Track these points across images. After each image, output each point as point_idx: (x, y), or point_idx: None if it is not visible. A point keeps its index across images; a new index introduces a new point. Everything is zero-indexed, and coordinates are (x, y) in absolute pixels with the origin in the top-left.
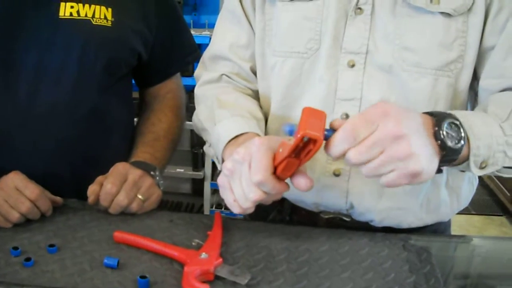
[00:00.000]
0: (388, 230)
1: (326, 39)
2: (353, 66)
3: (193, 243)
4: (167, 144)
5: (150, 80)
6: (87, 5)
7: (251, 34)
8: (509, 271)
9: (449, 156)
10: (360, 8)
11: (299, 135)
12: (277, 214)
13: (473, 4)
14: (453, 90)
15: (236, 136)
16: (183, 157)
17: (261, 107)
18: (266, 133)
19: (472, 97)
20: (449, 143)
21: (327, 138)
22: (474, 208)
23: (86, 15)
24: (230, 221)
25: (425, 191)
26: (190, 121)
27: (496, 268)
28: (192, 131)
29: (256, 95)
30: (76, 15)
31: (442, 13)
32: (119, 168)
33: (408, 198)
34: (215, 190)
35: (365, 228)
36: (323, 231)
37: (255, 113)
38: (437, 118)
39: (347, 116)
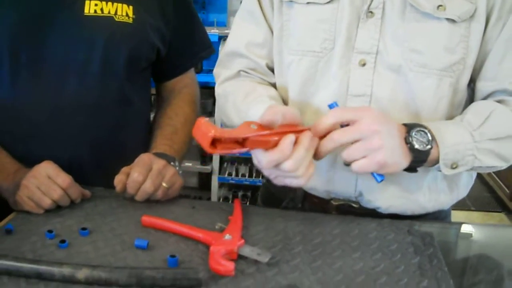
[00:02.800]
0: (394, 217)
1: (339, 39)
2: (364, 65)
3: (217, 227)
4: (184, 136)
5: (167, 75)
6: (110, 3)
7: (267, 33)
8: (506, 255)
9: (419, 158)
10: (371, 12)
11: None
12: (290, 201)
13: (475, 11)
14: (454, 89)
15: None
16: (190, 152)
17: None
18: None
19: (470, 95)
20: (416, 146)
21: None
22: (474, 204)
23: (109, 12)
24: (248, 208)
25: (426, 182)
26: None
27: (493, 253)
28: None
29: (273, 87)
30: (99, 12)
31: (447, 19)
32: (144, 158)
33: (411, 187)
34: (221, 184)
35: (372, 214)
36: (334, 216)
37: (275, 97)
38: (408, 127)
39: None
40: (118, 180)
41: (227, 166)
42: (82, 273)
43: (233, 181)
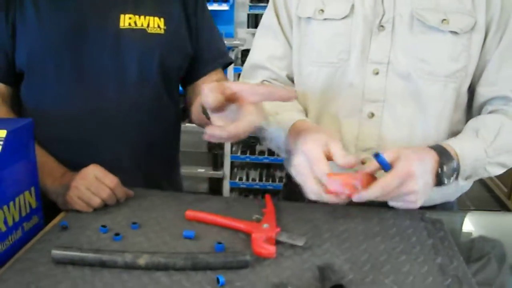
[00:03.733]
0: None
1: (354, 51)
2: (377, 73)
3: (253, 218)
4: None
5: (190, 78)
6: (142, 16)
7: (286, 46)
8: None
9: (441, 185)
10: (382, 26)
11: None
12: None
13: (475, 24)
14: (457, 93)
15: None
16: (201, 158)
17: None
18: None
19: (469, 97)
20: (445, 181)
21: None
22: (473, 203)
23: (142, 25)
24: (277, 203)
25: None
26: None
27: (493, 234)
28: None
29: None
30: (134, 25)
31: (451, 31)
32: None
33: None
34: (232, 188)
35: (389, 206)
36: (355, 207)
37: (297, 106)
38: (441, 161)
39: (372, 114)
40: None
41: (238, 171)
42: (142, 259)
43: (244, 186)
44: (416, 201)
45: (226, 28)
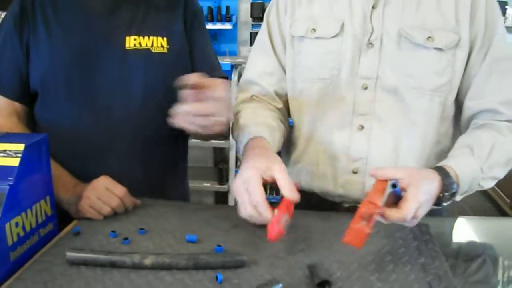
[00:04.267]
0: None
1: (344, 67)
2: (366, 88)
3: None
4: None
5: None
6: (146, 37)
7: (277, 64)
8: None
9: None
10: (371, 43)
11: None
12: (307, 203)
13: (459, 41)
14: (443, 106)
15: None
16: (207, 173)
17: (282, 120)
18: (298, 140)
19: (455, 110)
20: (442, 204)
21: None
22: (475, 213)
23: (146, 45)
24: None
25: None
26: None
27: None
28: (214, 149)
29: (279, 112)
30: (138, 46)
31: (435, 48)
32: None
33: None
34: (237, 202)
35: None
36: (344, 214)
37: (269, 122)
38: (444, 187)
39: (362, 127)
40: None
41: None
42: (149, 260)
43: None
44: (414, 223)
45: (229, 46)
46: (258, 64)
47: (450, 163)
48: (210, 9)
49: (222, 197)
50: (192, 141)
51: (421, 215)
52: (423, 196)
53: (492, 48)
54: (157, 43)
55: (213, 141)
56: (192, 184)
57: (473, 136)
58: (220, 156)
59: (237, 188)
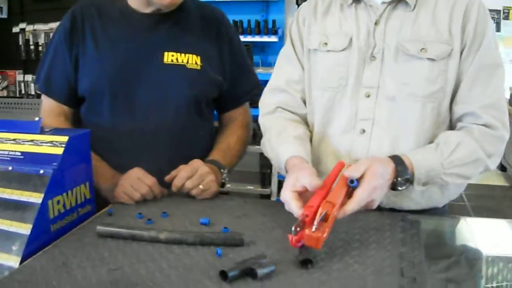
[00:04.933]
0: (394, 211)
1: (351, 77)
2: (368, 96)
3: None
4: (236, 151)
5: (225, 107)
6: (183, 54)
7: (301, 72)
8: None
9: (394, 190)
10: (374, 57)
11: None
12: None
13: (451, 51)
14: (436, 112)
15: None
16: (252, 177)
17: (307, 124)
18: (311, 141)
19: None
20: (398, 188)
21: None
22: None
23: (182, 61)
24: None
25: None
26: (258, 145)
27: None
28: (260, 154)
29: (303, 119)
30: (175, 61)
31: (428, 58)
32: (194, 163)
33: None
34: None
35: (378, 208)
36: None
37: (300, 135)
38: (397, 172)
39: (363, 131)
40: (171, 175)
41: (266, 200)
42: (163, 235)
43: None
44: (374, 206)
45: (275, 58)
46: (284, 72)
47: (408, 154)
48: (257, 23)
49: (264, 199)
50: None
51: (378, 197)
52: (376, 181)
53: (478, 56)
54: (192, 60)
55: (258, 146)
56: (237, 187)
57: (444, 135)
58: (264, 161)
59: (283, 200)
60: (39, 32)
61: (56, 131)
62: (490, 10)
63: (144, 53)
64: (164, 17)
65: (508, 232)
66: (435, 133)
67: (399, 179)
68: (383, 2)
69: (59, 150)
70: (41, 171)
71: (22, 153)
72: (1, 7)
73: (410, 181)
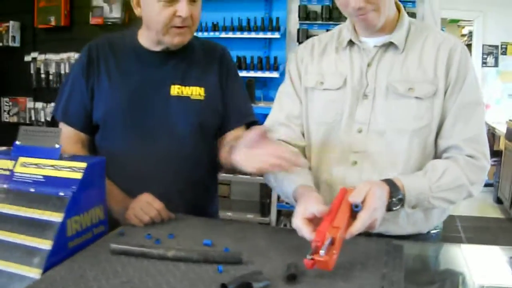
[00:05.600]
0: (383, 236)
1: (345, 114)
2: (360, 131)
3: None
4: None
5: (225, 129)
6: (187, 87)
7: (300, 107)
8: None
9: (390, 211)
10: (366, 95)
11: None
12: None
13: (437, 90)
14: (423, 146)
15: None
16: (252, 206)
17: (305, 155)
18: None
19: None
20: (393, 208)
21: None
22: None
23: (187, 93)
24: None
25: (404, 211)
26: (258, 176)
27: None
28: (260, 184)
29: (301, 151)
30: (181, 93)
31: (416, 97)
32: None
33: (394, 213)
34: None
35: (366, 234)
36: None
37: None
38: (391, 193)
39: (355, 162)
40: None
41: (283, 218)
42: (170, 253)
43: None
44: (377, 226)
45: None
46: (285, 107)
47: (400, 177)
48: (260, 59)
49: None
50: (242, 177)
51: (379, 217)
52: (376, 202)
53: (461, 95)
54: (196, 92)
55: (259, 177)
56: (237, 215)
57: (431, 162)
58: (264, 191)
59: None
60: (50, 61)
61: (74, 158)
62: (489, 46)
63: (152, 86)
64: (171, 54)
65: (492, 258)
66: (420, 166)
67: (393, 199)
68: (375, 46)
69: (78, 175)
70: (61, 193)
71: (44, 176)
72: (14, 36)
73: (402, 201)
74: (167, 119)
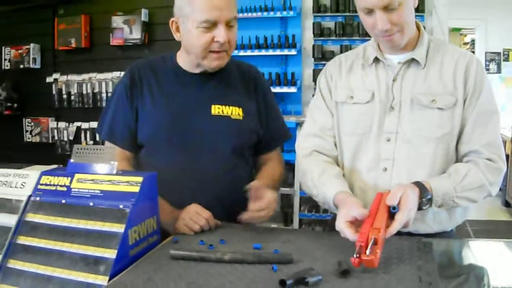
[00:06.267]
0: (411, 235)
1: (374, 125)
2: (389, 140)
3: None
4: (278, 183)
5: (262, 151)
6: (227, 107)
7: (332, 120)
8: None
9: (420, 210)
10: (392, 107)
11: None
12: None
13: (456, 101)
14: (446, 151)
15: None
16: (274, 216)
17: (338, 164)
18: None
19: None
20: (423, 208)
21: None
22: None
23: (227, 113)
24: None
25: (432, 212)
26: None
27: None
28: (281, 195)
29: (334, 160)
30: (221, 113)
31: (438, 108)
32: (269, 196)
33: (422, 213)
34: None
35: (398, 233)
36: None
37: (338, 174)
38: (421, 194)
39: (385, 169)
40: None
41: (305, 227)
42: (227, 256)
43: None
44: (410, 224)
45: (294, 107)
46: (318, 121)
47: (428, 180)
48: (277, 75)
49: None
50: None
51: (413, 216)
52: (410, 204)
53: (478, 104)
54: (236, 112)
55: (281, 188)
56: (261, 225)
57: (454, 166)
58: (286, 202)
59: (337, 229)
60: (71, 82)
61: (129, 173)
62: (491, 53)
63: (194, 106)
64: (210, 76)
65: (508, 252)
66: (444, 169)
67: (423, 199)
68: (399, 62)
69: (136, 188)
70: (121, 206)
71: (101, 191)
72: (35, 58)
73: (430, 201)
74: (210, 138)
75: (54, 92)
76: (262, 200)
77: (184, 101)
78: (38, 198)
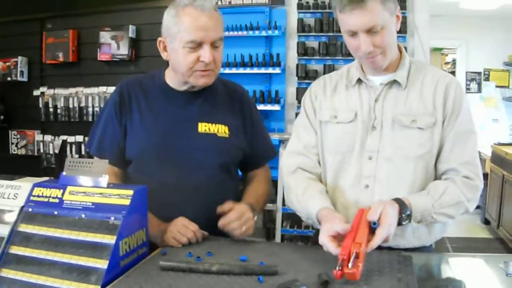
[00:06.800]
0: (391, 249)
1: (356, 144)
2: (370, 158)
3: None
4: (263, 200)
5: (248, 168)
6: (214, 124)
7: (316, 138)
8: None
9: (399, 225)
10: (374, 127)
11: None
12: None
13: (435, 121)
14: (426, 169)
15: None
16: (257, 232)
17: (321, 181)
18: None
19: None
20: (402, 223)
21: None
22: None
23: (213, 131)
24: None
25: (411, 227)
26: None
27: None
28: (264, 211)
29: (318, 177)
30: (208, 130)
31: (418, 127)
32: (241, 208)
33: (402, 229)
34: None
35: (379, 248)
36: None
37: (322, 190)
38: (401, 210)
39: (367, 186)
40: (221, 209)
41: (287, 242)
42: (215, 267)
43: None
44: (390, 239)
45: (278, 124)
46: (302, 139)
47: (407, 196)
48: (262, 93)
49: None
50: None
51: (392, 231)
52: (390, 219)
53: (456, 125)
54: (222, 130)
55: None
56: (246, 239)
57: (433, 183)
58: (269, 217)
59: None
60: (58, 96)
61: (120, 186)
62: (472, 72)
63: (181, 123)
64: (197, 94)
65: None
66: (424, 186)
67: (403, 215)
68: (381, 84)
69: (126, 201)
70: (112, 218)
71: (93, 203)
72: (22, 71)
73: (410, 217)
74: (197, 155)
75: (40, 105)
76: (234, 210)
77: (172, 119)
78: (30, 209)
